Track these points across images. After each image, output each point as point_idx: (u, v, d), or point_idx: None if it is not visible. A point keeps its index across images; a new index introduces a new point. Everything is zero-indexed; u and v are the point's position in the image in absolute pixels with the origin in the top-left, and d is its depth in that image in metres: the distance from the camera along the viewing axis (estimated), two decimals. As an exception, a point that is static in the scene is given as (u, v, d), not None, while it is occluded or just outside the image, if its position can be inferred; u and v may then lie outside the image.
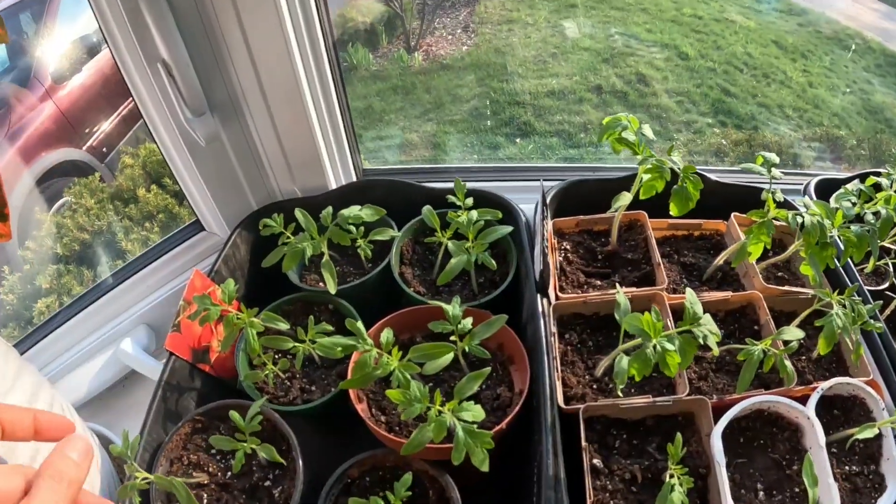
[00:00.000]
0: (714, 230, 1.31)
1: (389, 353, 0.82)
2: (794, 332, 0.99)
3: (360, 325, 0.83)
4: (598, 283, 1.18)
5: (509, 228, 1.10)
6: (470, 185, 1.17)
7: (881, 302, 1.10)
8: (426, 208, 1.10)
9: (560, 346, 1.07)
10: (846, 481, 0.97)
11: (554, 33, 5.33)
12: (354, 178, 1.39)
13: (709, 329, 0.89)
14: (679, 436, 0.89)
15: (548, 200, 1.23)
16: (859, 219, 1.09)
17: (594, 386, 1.04)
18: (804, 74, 5.00)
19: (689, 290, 0.92)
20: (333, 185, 1.34)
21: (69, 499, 0.52)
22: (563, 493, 0.84)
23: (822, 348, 1.00)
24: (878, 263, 1.28)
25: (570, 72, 4.89)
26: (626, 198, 1.13)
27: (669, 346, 0.84)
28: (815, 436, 0.95)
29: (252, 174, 1.29)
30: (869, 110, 4.76)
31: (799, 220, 1.05)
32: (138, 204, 2.94)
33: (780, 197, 1.11)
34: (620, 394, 0.99)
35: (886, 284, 1.25)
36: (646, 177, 1.09)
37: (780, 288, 1.16)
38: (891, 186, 1.16)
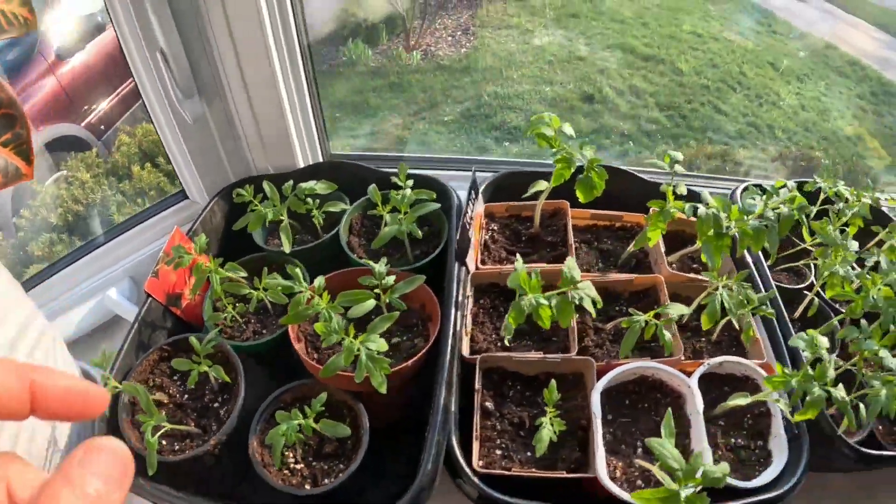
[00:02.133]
0: (635, 222, 1.51)
1: (320, 295, 1.06)
2: (678, 308, 1.17)
3: (298, 269, 1.07)
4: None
5: (437, 205, 1.34)
6: (421, 171, 1.41)
7: (774, 291, 1.29)
8: (372, 187, 1.35)
9: (474, 309, 1.31)
10: (731, 452, 1.15)
11: (552, 42, 5.53)
12: (321, 160, 1.64)
13: (585, 293, 1.08)
14: (553, 382, 1.11)
15: (482, 187, 1.48)
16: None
17: (498, 343, 1.26)
18: (797, 97, 5.18)
19: (568, 259, 1.12)
20: (301, 164, 1.59)
21: None
22: (451, 423, 1.07)
23: (704, 323, 1.18)
24: (798, 265, 1.50)
25: (564, 80, 5.08)
26: (542, 184, 1.33)
27: (543, 301, 1.04)
28: (695, 403, 1.12)
29: (231, 150, 1.54)
30: (858, 136, 4.94)
31: (695, 210, 1.19)
32: (132, 180, 3.17)
33: (682, 190, 1.29)
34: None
35: (805, 284, 1.45)
36: (557, 166, 1.27)
37: (684, 275, 1.36)
38: (800, 190, 1.32)
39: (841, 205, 1.42)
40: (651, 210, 1.25)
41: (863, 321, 1.18)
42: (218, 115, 1.48)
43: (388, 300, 1.13)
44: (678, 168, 1.30)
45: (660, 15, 5.93)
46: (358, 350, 0.96)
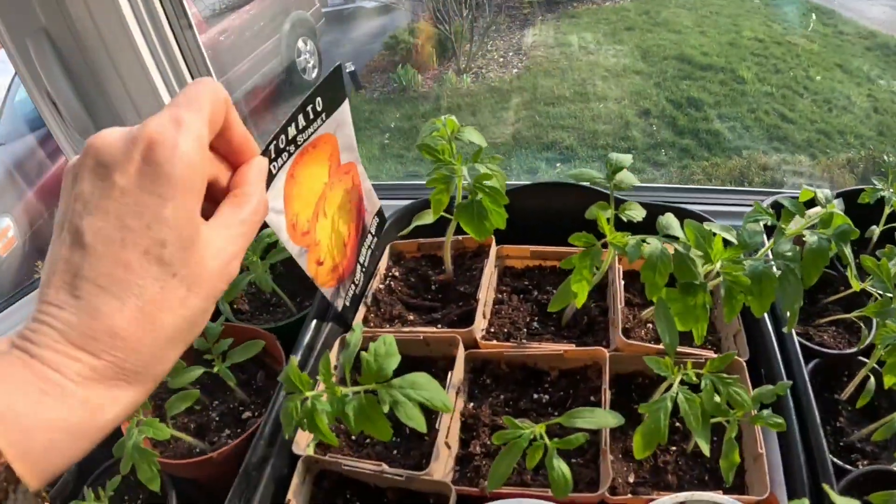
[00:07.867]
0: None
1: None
2: (596, 416, 0.72)
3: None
4: (412, 318, 1.02)
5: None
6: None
7: (784, 385, 0.71)
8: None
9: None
10: None
11: (607, 56, 5.22)
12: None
13: (407, 394, 0.64)
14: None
15: (390, 218, 1.10)
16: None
17: (353, 437, 0.89)
18: (869, 100, 4.66)
19: (385, 336, 0.68)
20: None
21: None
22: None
23: (637, 450, 0.70)
24: (849, 317, 0.94)
25: (619, 95, 4.77)
26: (428, 216, 0.97)
27: (322, 406, 0.66)
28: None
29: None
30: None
31: (644, 249, 0.73)
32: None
33: (634, 213, 0.81)
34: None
35: (854, 349, 0.91)
36: (434, 189, 0.91)
37: (643, 345, 0.88)
38: (853, 202, 0.86)
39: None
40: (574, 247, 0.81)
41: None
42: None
43: (216, 368, 0.92)
44: (639, 179, 0.83)
45: (718, 22, 5.49)
46: (132, 437, 0.78)
